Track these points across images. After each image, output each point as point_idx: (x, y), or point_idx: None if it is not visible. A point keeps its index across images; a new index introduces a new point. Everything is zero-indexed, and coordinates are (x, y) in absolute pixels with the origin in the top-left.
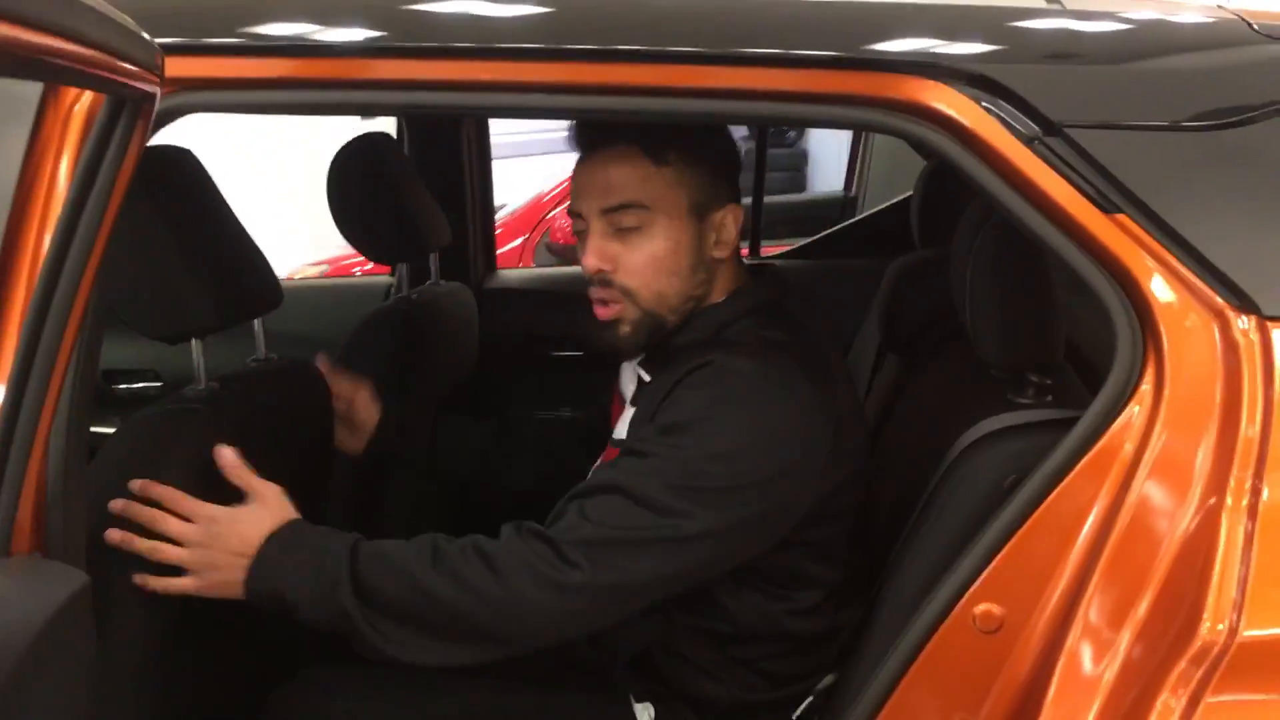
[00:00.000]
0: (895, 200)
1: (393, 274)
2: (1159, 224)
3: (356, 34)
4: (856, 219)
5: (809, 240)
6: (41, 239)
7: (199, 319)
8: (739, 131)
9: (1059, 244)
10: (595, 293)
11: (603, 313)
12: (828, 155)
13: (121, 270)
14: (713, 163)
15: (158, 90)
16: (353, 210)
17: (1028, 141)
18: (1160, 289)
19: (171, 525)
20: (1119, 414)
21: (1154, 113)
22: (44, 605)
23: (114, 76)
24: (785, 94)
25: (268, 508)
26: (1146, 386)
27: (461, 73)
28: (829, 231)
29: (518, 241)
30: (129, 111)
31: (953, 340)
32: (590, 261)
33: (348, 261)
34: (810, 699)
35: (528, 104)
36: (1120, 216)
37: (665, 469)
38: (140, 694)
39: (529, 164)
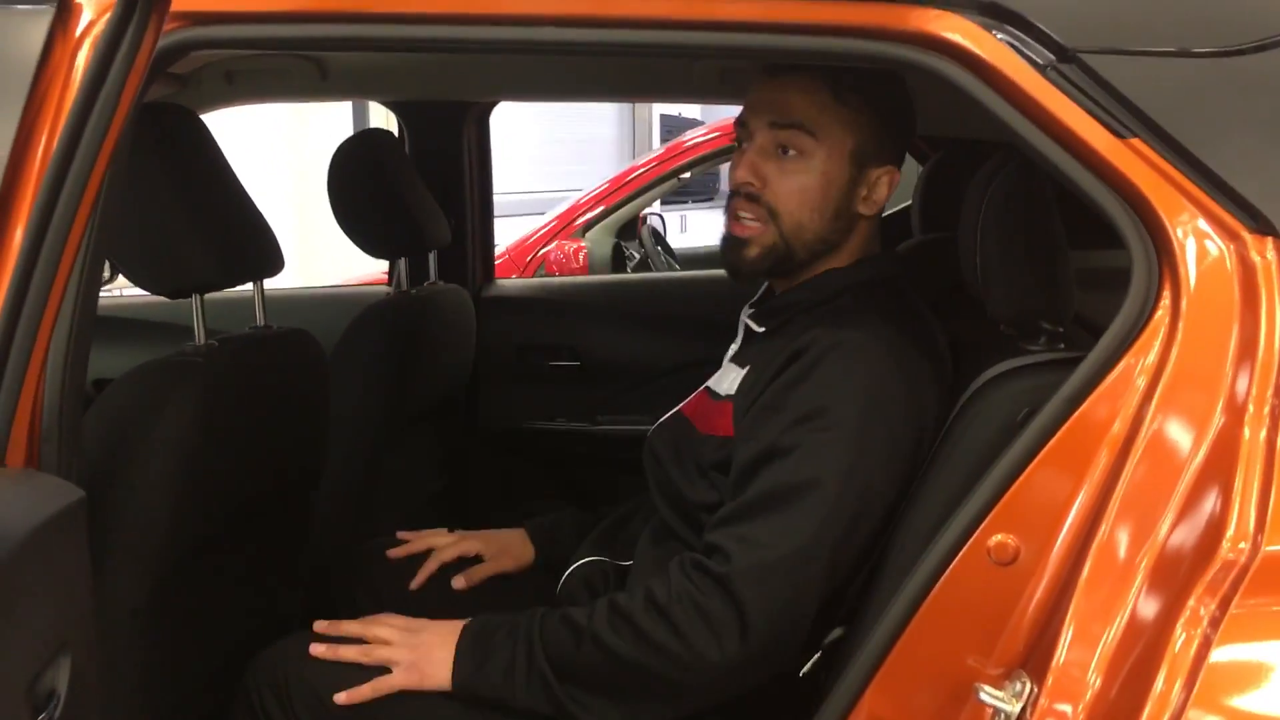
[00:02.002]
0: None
1: (390, 280)
2: (1174, 148)
3: None
4: None
5: None
6: (47, 159)
7: (201, 275)
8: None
9: (1074, 172)
10: (737, 205)
11: (739, 229)
12: None
13: (125, 225)
14: (887, 118)
15: None
16: (353, 204)
17: (1042, 69)
18: (1175, 213)
19: (380, 653)
20: (1135, 339)
21: (1169, 38)
22: (36, 512)
23: None
24: (792, 26)
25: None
26: (1162, 311)
27: (472, 5)
28: None
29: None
30: (136, 23)
31: (958, 316)
32: (742, 173)
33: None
34: (818, 654)
35: (536, 38)
36: (1135, 141)
37: (817, 457)
38: (138, 634)
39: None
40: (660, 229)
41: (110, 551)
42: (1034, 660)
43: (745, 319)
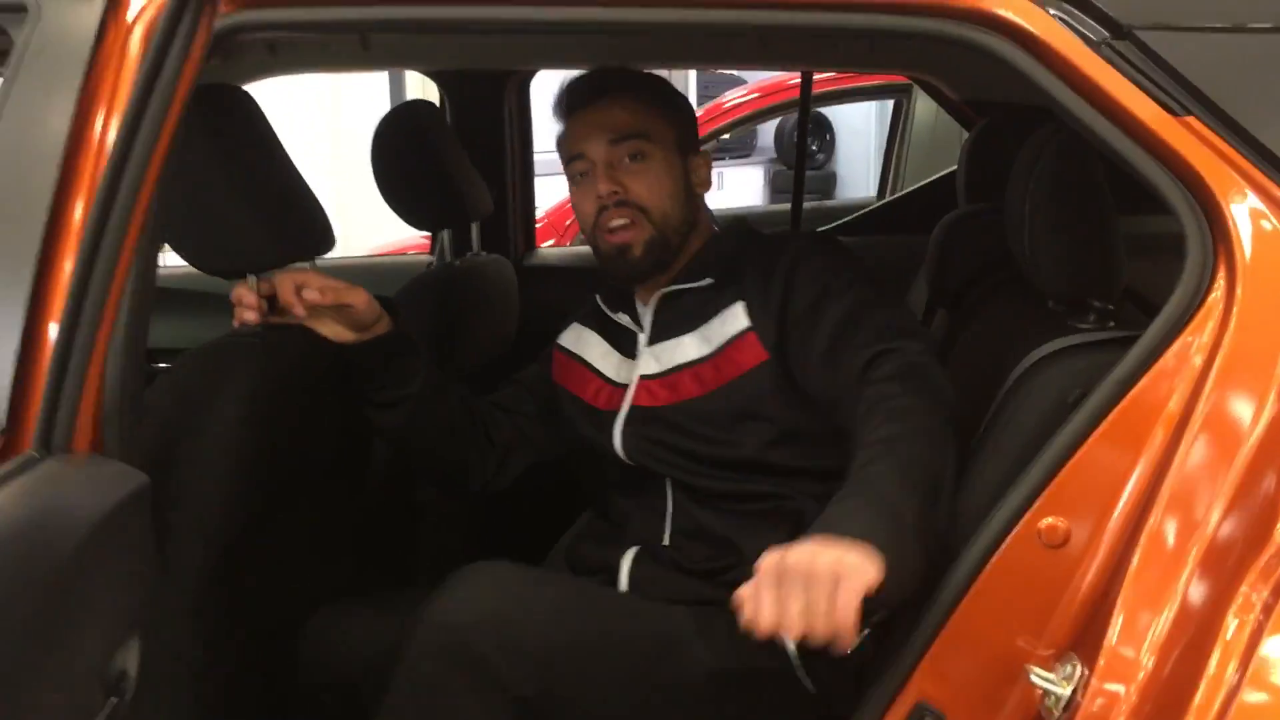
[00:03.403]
0: (931, 179)
1: (433, 249)
2: (1230, 125)
3: None
4: (897, 195)
5: (850, 217)
6: (103, 150)
7: (256, 256)
8: (768, 153)
9: (1128, 150)
10: (609, 217)
11: (618, 237)
12: (855, 176)
13: (180, 207)
14: (685, 113)
15: None
16: (396, 176)
17: (1096, 46)
18: (1231, 192)
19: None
20: (1190, 320)
21: (1224, 14)
22: (106, 497)
23: None
24: (849, 4)
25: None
26: (1218, 292)
27: None
28: (871, 208)
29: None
30: (192, 9)
31: (1003, 290)
32: (604, 187)
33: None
34: (866, 632)
35: (582, 18)
36: (1190, 119)
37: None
38: (199, 610)
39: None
40: None
41: (172, 529)
42: (1085, 643)
43: (660, 294)
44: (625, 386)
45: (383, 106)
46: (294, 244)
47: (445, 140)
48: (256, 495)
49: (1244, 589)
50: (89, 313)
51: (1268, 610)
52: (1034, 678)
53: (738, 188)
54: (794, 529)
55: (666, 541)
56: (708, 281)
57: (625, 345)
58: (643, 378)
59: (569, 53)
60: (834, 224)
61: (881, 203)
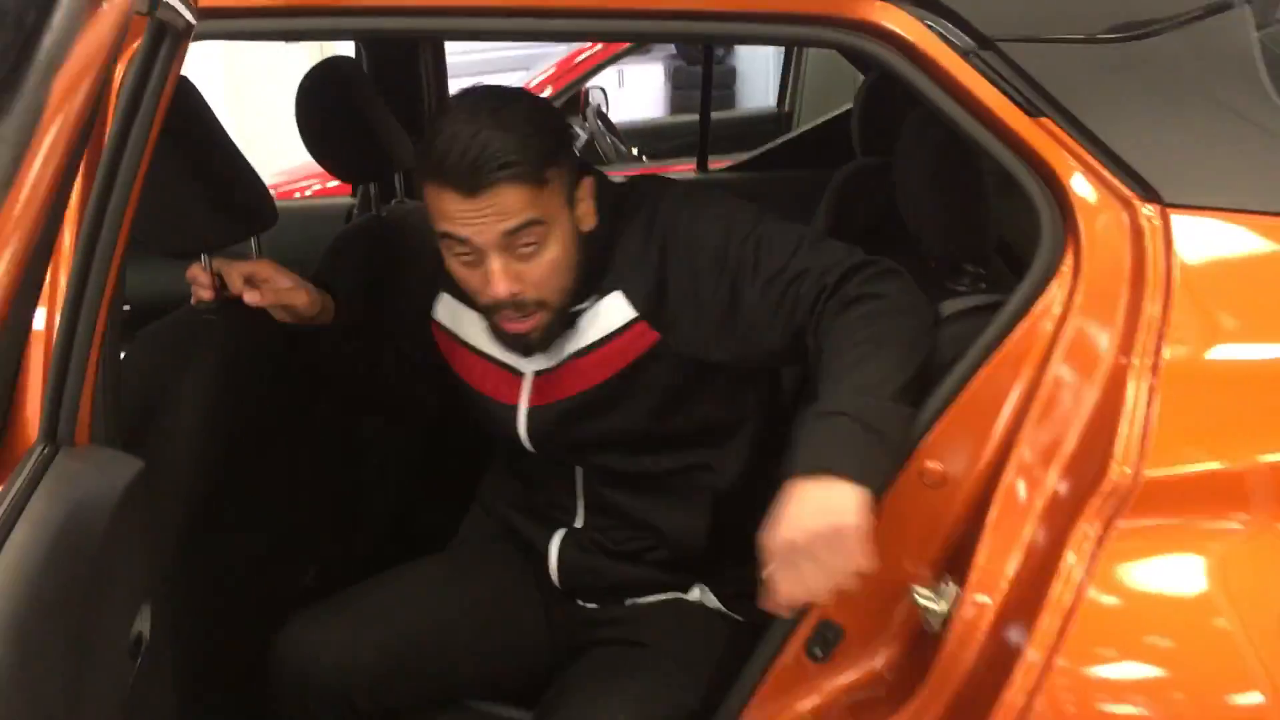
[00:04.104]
0: (833, 114)
1: (358, 198)
2: (1077, 125)
3: None
4: (796, 133)
5: (750, 155)
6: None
7: (203, 236)
8: (666, 49)
9: (992, 145)
10: (507, 316)
11: (519, 327)
12: (755, 72)
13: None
14: (567, 149)
15: (194, 21)
16: (321, 131)
17: (965, 54)
18: (1078, 183)
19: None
20: (1043, 292)
21: (1073, 27)
22: (116, 484)
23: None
24: (741, 14)
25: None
26: (1066, 268)
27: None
28: (770, 146)
29: None
30: (170, 41)
31: (898, 246)
32: (503, 288)
33: (288, 187)
34: None
35: (501, 28)
36: (1044, 120)
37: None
38: (178, 578)
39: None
40: (604, 105)
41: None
42: (958, 566)
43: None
44: (520, 376)
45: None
46: (239, 223)
47: (367, 95)
48: (227, 459)
49: (1082, 524)
50: (89, 306)
51: (1098, 541)
52: (916, 596)
53: (638, 86)
54: (708, 503)
55: (580, 523)
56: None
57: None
58: (536, 373)
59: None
60: (737, 163)
61: (781, 141)
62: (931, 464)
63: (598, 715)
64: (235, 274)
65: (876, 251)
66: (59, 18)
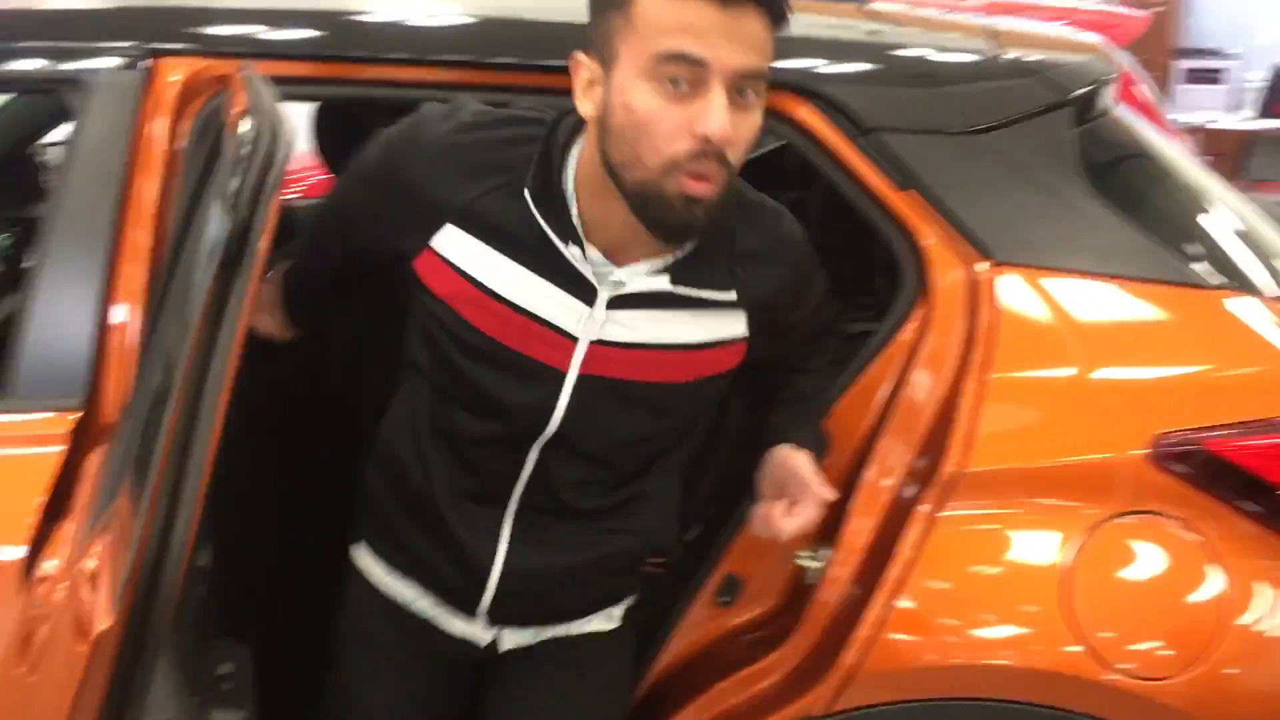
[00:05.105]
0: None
1: None
2: (934, 198)
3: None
4: None
5: None
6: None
7: None
8: None
9: (870, 211)
10: (703, 165)
11: (701, 188)
12: None
13: None
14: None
15: None
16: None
17: (851, 138)
18: (931, 243)
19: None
20: (902, 326)
21: (934, 122)
22: None
23: None
24: None
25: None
26: (920, 308)
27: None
28: None
29: None
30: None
31: None
32: (723, 128)
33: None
34: (702, 527)
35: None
36: (909, 193)
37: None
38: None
39: None
40: None
41: None
42: (832, 536)
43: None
44: (572, 340)
45: None
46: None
47: None
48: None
49: (922, 505)
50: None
51: (932, 518)
52: (799, 559)
53: None
54: (647, 522)
55: (513, 504)
56: (726, 294)
57: (564, 277)
58: (601, 343)
59: None
60: None
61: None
62: None
63: None
64: None
65: None
66: None
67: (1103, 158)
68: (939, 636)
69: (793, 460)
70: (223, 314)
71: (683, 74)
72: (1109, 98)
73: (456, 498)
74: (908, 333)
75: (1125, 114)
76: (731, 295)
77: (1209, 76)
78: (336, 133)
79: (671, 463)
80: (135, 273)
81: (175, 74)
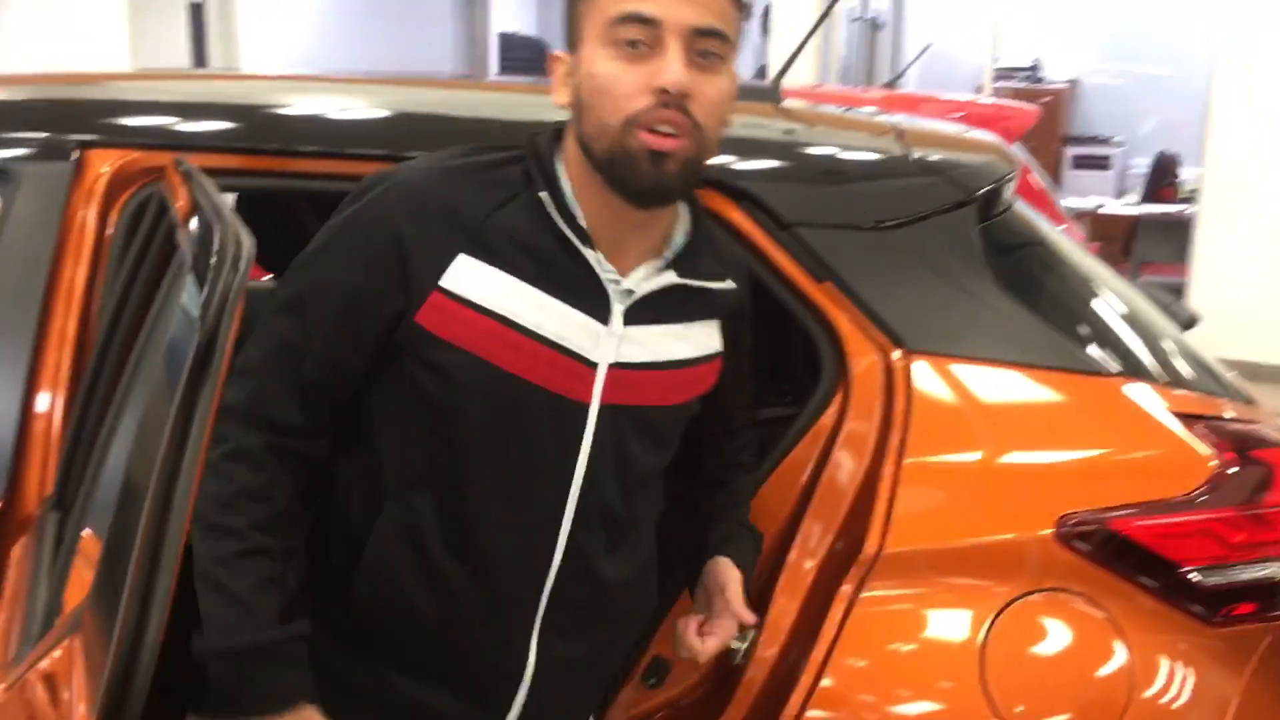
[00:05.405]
0: None
1: None
2: (849, 290)
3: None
4: None
5: None
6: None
7: None
8: None
9: (789, 302)
10: (661, 116)
11: (666, 143)
12: None
13: None
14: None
15: None
16: None
17: (771, 233)
18: (848, 332)
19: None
20: (823, 413)
21: (848, 218)
22: None
23: None
24: None
25: None
26: (839, 395)
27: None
28: None
29: None
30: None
31: None
32: (677, 78)
33: None
34: None
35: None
36: (826, 284)
37: None
38: None
39: None
40: None
41: None
42: (757, 613)
43: (663, 277)
44: (591, 367)
45: None
46: None
47: None
48: None
49: (844, 585)
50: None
51: (853, 598)
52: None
53: None
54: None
55: (547, 591)
56: (725, 284)
57: (576, 295)
58: (619, 365)
59: None
60: None
61: None
62: None
63: None
64: None
65: None
66: None
67: (1005, 250)
68: (860, 714)
69: (723, 577)
70: (190, 422)
71: (640, 35)
72: (1009, 194)
73: (484, 621)
74: (828, 417)
75: (1024, 208)
76: (729, 284)
77: (1096, 162)
78: (257, 225)
79: (653, 517)
80: (61, 361)
81: (104, 165)
